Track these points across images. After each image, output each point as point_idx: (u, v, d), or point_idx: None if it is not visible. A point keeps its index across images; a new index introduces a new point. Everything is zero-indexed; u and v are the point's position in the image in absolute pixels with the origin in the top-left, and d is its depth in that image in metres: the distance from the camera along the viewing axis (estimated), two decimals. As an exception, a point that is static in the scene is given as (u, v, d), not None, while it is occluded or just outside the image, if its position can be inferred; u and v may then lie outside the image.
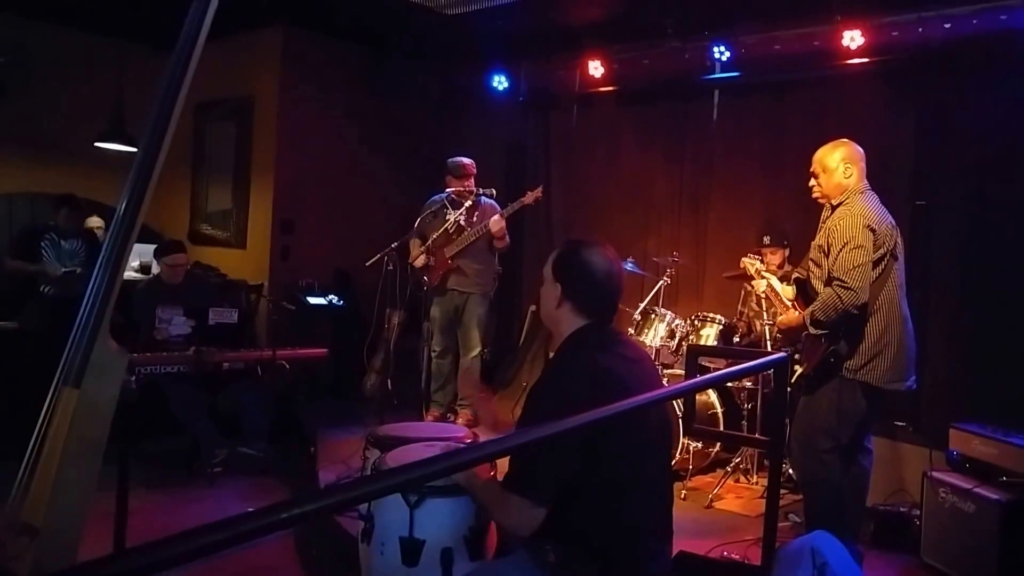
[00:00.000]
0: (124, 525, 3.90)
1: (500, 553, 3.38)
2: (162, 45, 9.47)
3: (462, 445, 3.95)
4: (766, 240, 7.23)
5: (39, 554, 2.77)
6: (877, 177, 5.04)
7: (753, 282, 5.88)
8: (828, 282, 4.75)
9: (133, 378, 5.44)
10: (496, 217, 7.42)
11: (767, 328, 6.51)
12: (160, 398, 6.28)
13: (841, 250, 4.66)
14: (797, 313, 5.11)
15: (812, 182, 5.07)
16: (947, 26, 6.42)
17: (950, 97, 6.86)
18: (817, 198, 5.08)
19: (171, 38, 3.15)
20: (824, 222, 4.98)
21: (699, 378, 3.05)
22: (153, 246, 9.19)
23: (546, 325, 3.29)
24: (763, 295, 5.80)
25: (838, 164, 4.92)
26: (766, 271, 6.25)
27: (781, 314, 5.35)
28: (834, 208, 4.91)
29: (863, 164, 4.93)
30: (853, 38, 6.80)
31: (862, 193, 4.85)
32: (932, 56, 6.63)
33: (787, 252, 7.20)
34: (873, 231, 4.67)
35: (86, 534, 2.90)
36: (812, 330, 4.87)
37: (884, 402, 4.97)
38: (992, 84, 6.67)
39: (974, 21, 6.30)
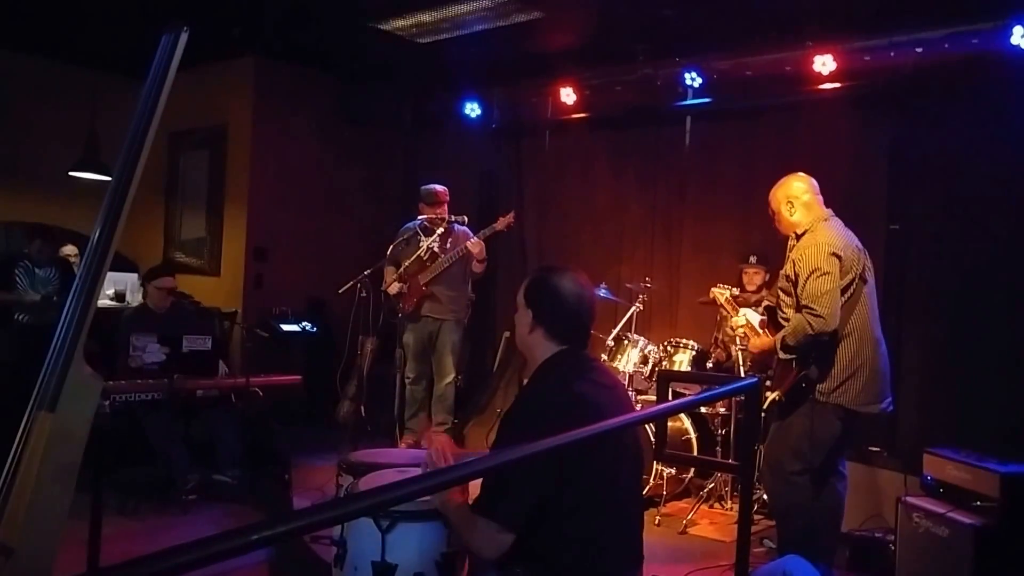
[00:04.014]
0: (98, 548, 3.88)
1: (472, 578, 3.37)
2: (135, 74, 9.45)
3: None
4: (752, 260, 7.24)
5: (14, 574, 2.76)
6: (850, 201, 5.08)
7: (732, 318, 5.90)
8: (798, 310, 4.77)
9: (108, 403, 5.42)
10: (475, 239, 7.42)
11: (741, 353, 6.53)
12: (135, 426, 6.24)
13: (808, 278, 4.70)
14: (768, 338, 5.14)
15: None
16: (919, 50, 6.44)
17: (923, 121, 6.91)
18: (779, 232, 5.16)
19: (144, 67, 3.15)
20: (790, 251, 5.02)
21: (669, 403, 3.06)
22: (128, 275, 9.19)
23: (521, 352, 3.29)
24: (740, 328, 5.77)
25: (780, 204, 5.02)
26: (746, 291, 6.29)
27: (753, 339, 5.37)
28: (799, 237, 4.96)
29: (812, 195, 4.98)
30: (824, 63, 6.81)
31: (825, 220, 4.91)
32: (904, 80, 6.67)
33: (767, 275, 7.18)
34: (839, 257, 4.72)
35: (60, 561, 2.88)
36: (782, 355, 4.90)
37: (859, 426, 5.00)
38: (964, 107, 6.72)
39: (946, 45, 6.30)
